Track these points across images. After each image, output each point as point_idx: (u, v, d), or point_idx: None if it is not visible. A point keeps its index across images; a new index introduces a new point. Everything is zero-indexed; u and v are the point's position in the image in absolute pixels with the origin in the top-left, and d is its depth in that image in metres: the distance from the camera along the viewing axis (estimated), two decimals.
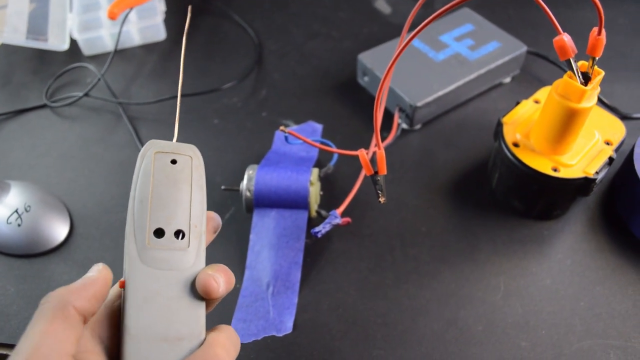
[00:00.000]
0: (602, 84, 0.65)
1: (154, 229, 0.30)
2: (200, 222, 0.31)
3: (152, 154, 0.31)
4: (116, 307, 0.30)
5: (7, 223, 0.52)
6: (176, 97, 0.65)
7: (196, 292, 0.30)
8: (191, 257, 0.30)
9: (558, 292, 0.48)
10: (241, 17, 0.79)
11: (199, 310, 0.30)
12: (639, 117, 0.62)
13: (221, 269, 0.31)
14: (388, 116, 0.62)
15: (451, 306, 0.47)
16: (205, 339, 0.29)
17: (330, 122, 0.62)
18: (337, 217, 0.47)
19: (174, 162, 0.31)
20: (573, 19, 0.73)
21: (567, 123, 0.45)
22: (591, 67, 0.43)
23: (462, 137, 0.61)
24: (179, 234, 0.30)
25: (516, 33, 0.68)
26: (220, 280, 0.30)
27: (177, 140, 0.33)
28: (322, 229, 0.46)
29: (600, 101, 0.63)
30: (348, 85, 0.68)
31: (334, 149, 0.47)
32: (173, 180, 0.31)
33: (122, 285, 0.29)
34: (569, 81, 0.43)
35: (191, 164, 0.32)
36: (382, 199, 0.43)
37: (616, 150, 0.50)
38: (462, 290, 0.48)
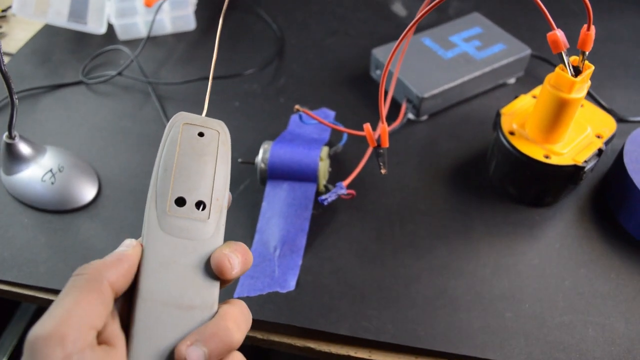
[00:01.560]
0: (603, 89, 0.69)
1: (175, 197, 0.30)
2: (222, 196, 0.31)
3: (181, 124, 0.31)
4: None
5: (42, 181, 0.58)
6: (203, 78, 0.71)
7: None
8: (210, 228, 0.30)
9: (544, 271, 0.52)
10: (266, 13, 0.84)
11: (213, 282, 0.29)
12: (634, 120, 0.65)
13: (240, 248, 0.30)
14: (397, 107, 0.66)
15: (443, 277, 0.51)
16: (217, 311, 0.29)
17: (342, 110, 0.67)
18: (342, 188, 0.51)
19: (201, 134, 0.31)
20: (579, 27, 0.77)
21: (558, 112, 0.49)
22: (582, 61, 0.47)
23: (465, 130, 0.65)
24: (200, 205, 0.30)
25: (523, 39, 0.72)
26: (235, 261, 0.29)
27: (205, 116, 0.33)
28: (328, 196, 0.50)
29: (598, 104, 0.67)
30: (361, 78, 0.73)
31: (343, 128, 0.52)
32: (199, 153, 0.31)
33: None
34: (560, 73, 0.47)
35: (218, 138, 0.32)
36: (383, 170, 0.47)
37: (606, 143, 0.54)
38: (454, 264, 0.52)
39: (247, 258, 0.30)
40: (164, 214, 0.29)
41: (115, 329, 0.27)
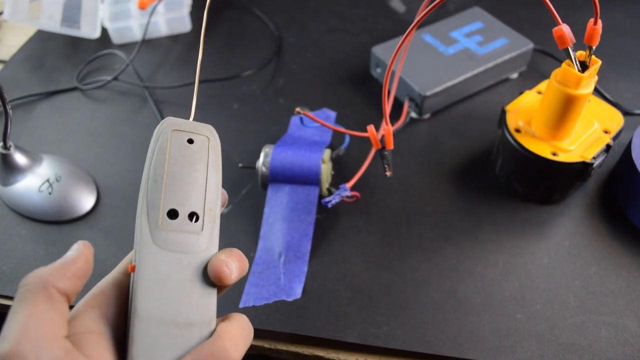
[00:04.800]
0: (608, 81, 0.68)
1: (167, 209, 0.29)
2: (215, 205, 0.30)
3: (169, 131, 0.30)
4: (125, 287, 0.29)
5: (39, 191, 0.56)
6: (201, 81, 0.70)
7: (208, 277, 0.29)
8: (204, 240, 0.29)
9: (554, 270, 0.51)
10: (262, 12, 0.83)
11: (211, 296, 0.29)
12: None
13: (235, 254, 0.30)
14: (399, 106, 0.65)
15: (452, 279, 0.50)
16: (215, 329, 0.28)
17: (343, 110, 0.66)
18: (346, 190, 0.50)
19: (190, 141, 0.30)
20: (581, 19, 0.75)
21: (565, 109, 0.48)
22: (588, 56, 0.46)
23: (469, 127, 0.64)
24: (192, 216, 0.29)
25: (525, 32, 0.71)
26: (232, 266, 0.29)
27: (193, 120, 0.32)
28: (332, 199, 0.49)
29: (604, 97, 0.66)
30: (361, 76, 0.72)
31: (345, 130, 0.51)
32: (189, 161, 0.30)
33: (132, 271, 0.28)
34: (567, 69, 0.46)
35: (208, 144, 0.31)
36: (388, 173, 0.46)
37: (614, 138, 0.53)
38: (462, 265, 0.51)
39: (243, 263, 0.30)
40: (156, 227, 0.28)
41: (99, 348, 0.26)
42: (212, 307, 0.29)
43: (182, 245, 0.29)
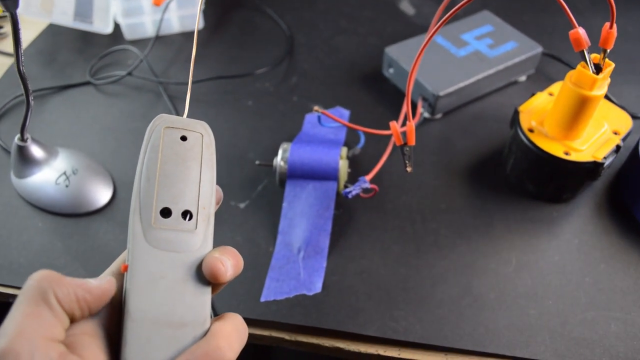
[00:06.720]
0: (613, 86, 0.70)
1: (160, 208, 0.29)
2: (209, 203, 0.30)
3: (162, 129, 0.30)
4: (119, 287, 0.29)
5: (56, 184, 0.57)
6: (214, 78, 0.70)
7: (202, 276, 0.28)
8: (198, 239, 0.29)
9: (565, 267, 0.52)
10: (274, 12, 0.84)
11: (205, 296, 0.29)
12: None
13: (229, 252, 0.30)
14: (412, 105, 0.66)
15: (467, 275, 0.51)
16: (209, 328, 0.28)
17: (356, 109, 0.67)
18: (366, 182, 0.51)
19: (183, 138, 0.30)
20: (585, 24, 0.77)
21: (579, 109, 0.50)
22: (603, 59, 0.47)
23: (479, 127, 0.66)
24: (186, 214, 0.29)
25: (530, 37, 0.73)
26: (227, 263, 0.29)
27: (188, 117, 0.31)
28: (352, 189, 0.50)
29: (610, 101, 0.67)
30: (373, 77, 0.73)
31: (366, 128, 0.52)
32: (182, 158, 0.30)
33: (125, 270, 0.28)
34: (582, 70, 0.48)
35: (202, 141, 0.30)
36: (409, 168, 0.47)
37: (623, 139, 0.55)
38: (477, 262, 0.52)
39: (237, 261, 0.30)
40: (149, 226, 0.28)
41: (93, 350, 0.26)
42: (206, 307, 0.28)
43: (176, 244, 0.28)
